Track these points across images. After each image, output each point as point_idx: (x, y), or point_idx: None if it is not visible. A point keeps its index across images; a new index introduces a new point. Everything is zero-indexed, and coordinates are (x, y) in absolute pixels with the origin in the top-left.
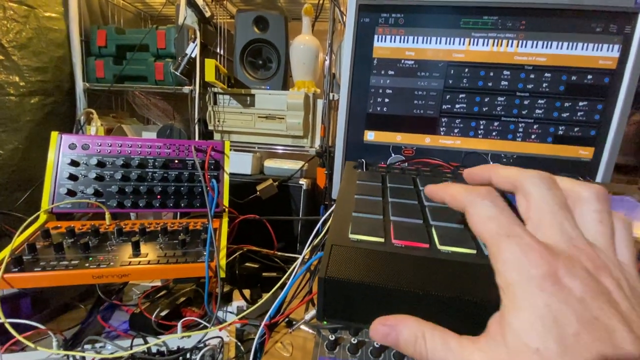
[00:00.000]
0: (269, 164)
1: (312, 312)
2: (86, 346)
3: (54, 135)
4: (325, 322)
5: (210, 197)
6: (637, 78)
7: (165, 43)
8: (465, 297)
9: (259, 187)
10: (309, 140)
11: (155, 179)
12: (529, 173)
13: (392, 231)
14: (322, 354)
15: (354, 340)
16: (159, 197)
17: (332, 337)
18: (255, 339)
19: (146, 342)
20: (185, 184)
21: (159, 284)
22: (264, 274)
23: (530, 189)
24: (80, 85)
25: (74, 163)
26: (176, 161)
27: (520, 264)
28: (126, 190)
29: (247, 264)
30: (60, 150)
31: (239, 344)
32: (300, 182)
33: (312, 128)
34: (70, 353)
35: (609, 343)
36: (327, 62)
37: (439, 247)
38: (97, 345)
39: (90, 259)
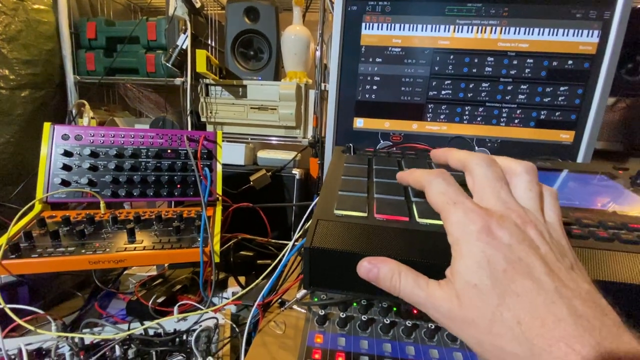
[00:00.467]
0: (262, 154)
1: (303, 291)
2: (85, 330)
3: (47, 126)
4: (315, 299)
5: (204, 185)
6: (615, 63)
7: (156, 35)
8: (440, 262)
9: (252, 177)
10: (301, 131)
11: (149, 169)
12: (474, 155)
13: (374, 207)
14: (312, 328)
15: (342, 314)
16: (152, 186)
17: (321, 312)
18: (249, 318)
19: (142, 325)
20: (179, 173)
21: (155, 272)
22: (258, 261)
23: (475, 168)
24: (71, 78)
25: (67, 153)
26: (169, 151)
27: (463, 223)
28: (120, 179)
29: (242, 252)
30: (54, 141)
31: (234, 325)
32: (294, 171)
33: (304, 118)
34: (70, 335)
35: (528, 275)
36: (318, 53)
37: (418, 219)
38: (96, 329)
39: (87, 245)
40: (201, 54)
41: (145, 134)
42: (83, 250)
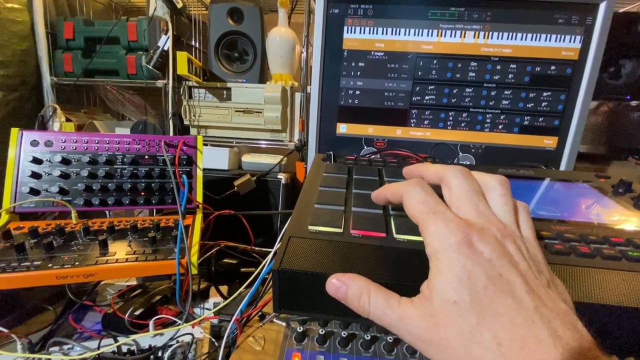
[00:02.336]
0: (247, 158)
1: None
2: (52, 348)
3: (14, 131)
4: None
5: (182, 192)
6: (597, 68)
7: (137, 35)
8: (417, 283)
9: (236, 183)
10: (287, 134)
11: (125, 176)
12: (450, 168)
13: (351, 221)
14: (290, 346)
15: (322, 331)
16: (128, 194)
17: (300, 328)
18: (226, 334)
19: (116, 342)
20: (157, 180)
21: (134, 282)
22: (242, 269)
23: (452, 180)
24: (47, 79)
25: (37, 160)
26: (146, 157)
27: (442, 235)
28: (94, 187)
29: (225, 260)
30: (22, 148)
31: (213, 340)
32: (279, 176)
33: (290, 122)
34: (35, 356)
35: (509, 293)
36: (304, 55)
37: (395, 235)
38: (65, 347)
39: (55, 259)
40: (182, 56)
41: (120, 140)
42: (50, 265)
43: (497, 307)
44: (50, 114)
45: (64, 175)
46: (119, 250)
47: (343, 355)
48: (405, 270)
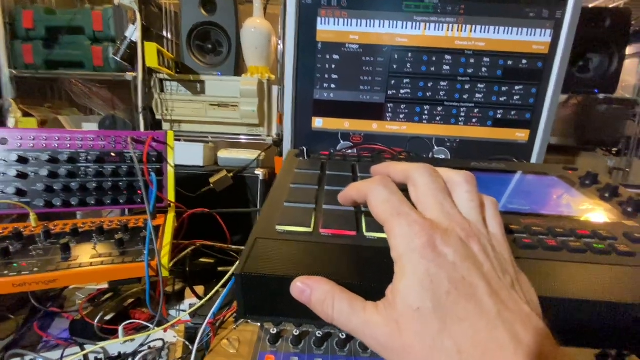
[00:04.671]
0: (223, 154)
1: None
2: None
3: None
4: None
5: (151, 191)
6: (567, 62)
7: (103, 25)
8: (385, 285)
9: (212, 179)
10: (265, 129)
11: (89, 175)
12: (416, 166)
13: (321, 220)
14: (263, 349)
15: (296, 332)
16: (94, 193)
17: (274, 330)
18: (198, 338)
19: (82, 350)
20: (124, 179)
21: (105, 286)
22: (219, 268)
23: (417, 178)
24: (5, 72)
25: None
26: (112, 154)
27: (407, 237)
28: (55, 188)
29: (201, 260)
30: None
31: (187, 343)
32: (257, 172)
33: (268, 116)
34: None
35: (472, 297)
36: (280, 47)
37: (366, 233)
38: (26, 357)
39: (10, 266)
40: (151, 47)
41: (84, 136)
42: (6, 272)
43: (459, 312)
44: (7, 108)
45: (21, 175)
46: (83, 253)
47: (318, 355)
48: (375, 271)
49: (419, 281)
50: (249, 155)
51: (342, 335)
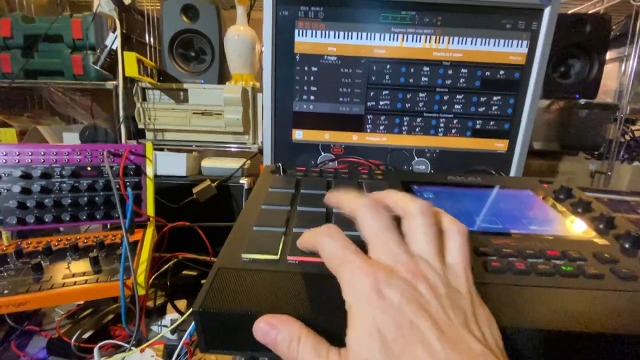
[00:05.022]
0: (207, 163)
1: None
2: None
3: None
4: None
5: (127, 206)
6: (543, 72)
7: (82, 33)
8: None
9: (195, 190)
10: (250, 137)
11: (64, 190)
12: (360, 202)
13: (289, 246)
14: None
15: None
16: (69, 209)
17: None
18: (174, 359)
19: None
20: (101, 193)
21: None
22: (202, 281)
23: (362, 217)
24: None
25: None
26: (88, 168)
27: (352, 286)
28: (27, 204)
29: (183, 273)
30: None
31: None
32: (241, 181)
33: (253, 124)
34: None
35: (419, 342)
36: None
37: None
38: None
39: None
40: (130, 57)
41: (58, 151)
42: None
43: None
44: None
45: None
46: (56, 273)
47: None
48: (341, 303)
49: (367, 331)
50: (234, 164)
51: None
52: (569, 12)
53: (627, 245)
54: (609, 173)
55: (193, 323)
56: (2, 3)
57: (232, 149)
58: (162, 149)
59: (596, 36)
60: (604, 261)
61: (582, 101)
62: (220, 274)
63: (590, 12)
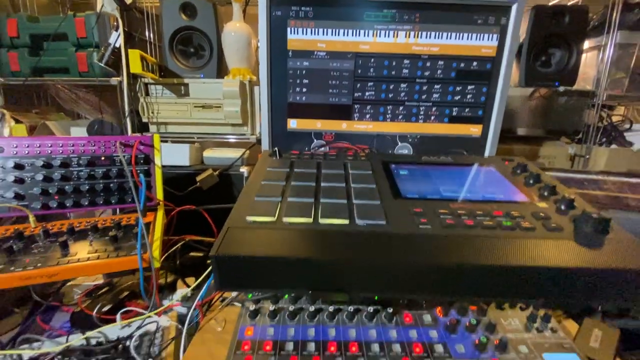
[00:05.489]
0: (209, 153)
1: None
2: (23, 346)
3: None
4: (249, 296)
5: (140, 190)
6: (512, 63)
7: (86, 31)
8: (337, 258)
9: (198, 178)
10: (249, 128)
11: (82, 178)
12: None
13: (284, 210)
14: (244, 322)
15: (272, 307)
16: (87, 195)
17: (253, 307)
18: (187, 318)
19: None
20: (115, 180)
21: (101, 281)
22: (208, 261)
23: None
24: None
25: None
26: (103, 158)
27: None
28: (50, 191)
29: (191, 254)
30: None
31: (180, 326)
32: (242, 169)
33: (251, 115)
34: (6, 352)
35: None
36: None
37: (320, 220)
38: (36, 344)
39: (16, 262)
40: (134, 54)
41: (75, 142)
42: (12, 268)
43: None
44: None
45: (19, 181)
46: (81, 250)
47: (290, 326)
48: (325, 247)
49: None
50: (234, 154)
51: (312, 308)
52: (550, 3)
53: (562, 207)
54: (587, 156)
55: (202, 290)
56: (6, 2)
57: (232, 140)
58: (165, 141)
59: (575, 26)
60: (538, 218)
61: (562, 88)
62: (230, 231)
63: (570, 3)
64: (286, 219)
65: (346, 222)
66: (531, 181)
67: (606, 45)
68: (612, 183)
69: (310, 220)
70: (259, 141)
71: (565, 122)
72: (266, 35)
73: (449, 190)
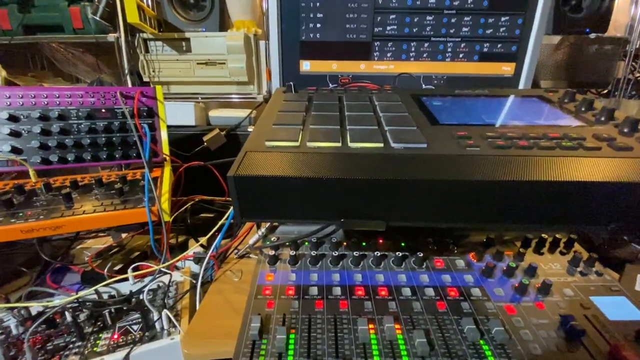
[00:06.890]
0: (215, 113)
1: (255, 237)
2: (32, 300)
3: None
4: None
5: (145, 143)
6: None
7: None
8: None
9: (205, 138)
10: (255, 86)
11: (82, 131)
12: None
13: (308, 136)
14: (263, 268)
15: (292, 253)
16: (89, 149)
17: (272, 252)
18: (202, 267)
19: (96, 290)
20: (117, 134)
21: (111, 241)
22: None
23: None
24: None
25: None
26: (103, 110)
27: None
28: (49, 144)
29: (202, 215)
30: None
31: (193, 280)
32: (249, 129)
33: (257, 72)
34: (13, 305)
35: None
36: None
37: (350, 144)
38: (46, 298)
39: (17, 214)
40: (131, 2)
41: (72, 93)
42: (13, 220)
43: None
44: None
45: (15, 133)
46: (86, 203)
47: (313, 271)
48: (361, 168)
49: None
50: (241, 113)
51: (335, 253)
52: None
53: (625, 130)
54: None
55: (217, 239)
56: None
57: (238, 100)
58: (168, 101)
59: None
60: (602, 139)
61: (592, 36)
62: (248, 155)
63: None
64: (311, 144)
65: (380, 145)
66: (583, 108)
67: None
68: None
69: (339, 144)
70: (266, 100)
71: (595, 74)
72: None
73: (492, 117)
